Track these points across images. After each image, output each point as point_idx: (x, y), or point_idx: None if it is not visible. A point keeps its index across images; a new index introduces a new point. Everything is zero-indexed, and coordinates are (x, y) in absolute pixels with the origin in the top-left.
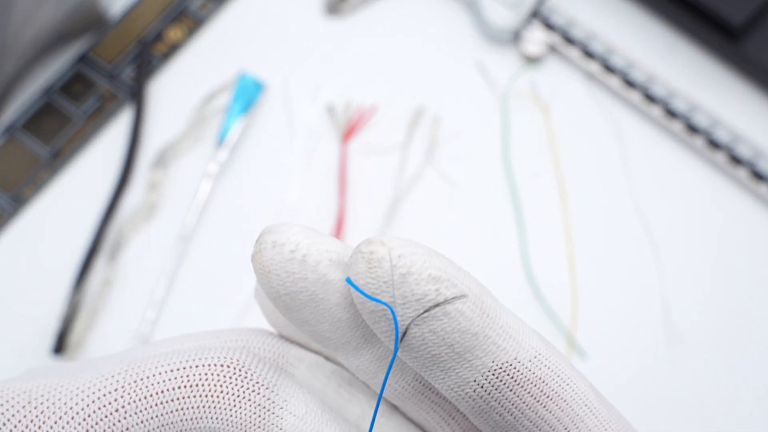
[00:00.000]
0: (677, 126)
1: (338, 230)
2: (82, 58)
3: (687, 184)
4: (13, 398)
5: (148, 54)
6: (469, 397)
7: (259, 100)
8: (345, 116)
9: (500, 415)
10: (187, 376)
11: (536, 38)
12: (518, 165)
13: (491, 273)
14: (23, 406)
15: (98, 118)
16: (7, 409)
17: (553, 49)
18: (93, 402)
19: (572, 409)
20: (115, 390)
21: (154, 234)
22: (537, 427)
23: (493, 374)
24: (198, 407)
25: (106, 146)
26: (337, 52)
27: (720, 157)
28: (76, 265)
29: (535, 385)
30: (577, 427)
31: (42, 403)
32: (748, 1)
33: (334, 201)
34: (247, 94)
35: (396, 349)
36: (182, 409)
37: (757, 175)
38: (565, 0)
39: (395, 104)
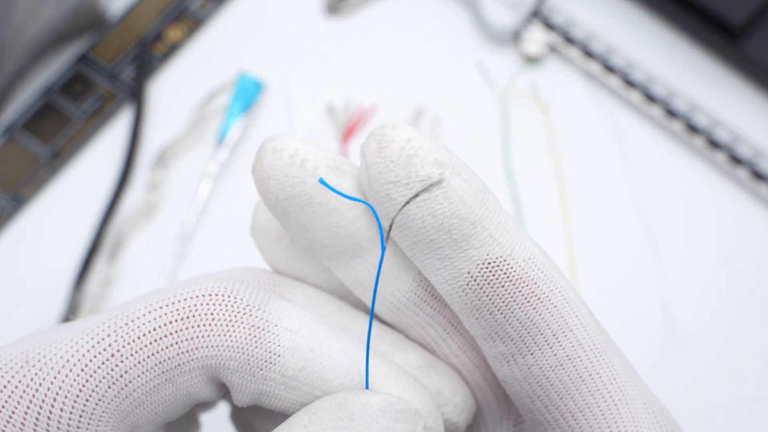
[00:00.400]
0: (677, 126)
1: None
2: (82, 58)
3: (687, 184)
4: (11, 360)
5: (148, 54)
6: (462, 291)
7: (259, 100)
8: (345, 116)
9: (490, 313)
10: (177, 310)
11: (536, 38)
12: (518, 165)
13: None
14: (21, 366)
15: (98, 118)
16: (6, 372)
17: (553, 49)
18: (88, 351)
19: (562, 316)
20: (108, 336)
21: (154, 234)
22: (525, 328)
23: (487, 267)
24: (192, 338)
25: (106, 146)
26: (337, 52)
27: (720, 157)
28: (76, 265)
29: (527, 285)
30: (564, 335)
31: (39, 361)
32: (748, 1)
33: None
34: (247, 94)
35: (383, 248)
36: (177, 343)
37: (757, 175)
38: (565, 0)
39: (395, 104)
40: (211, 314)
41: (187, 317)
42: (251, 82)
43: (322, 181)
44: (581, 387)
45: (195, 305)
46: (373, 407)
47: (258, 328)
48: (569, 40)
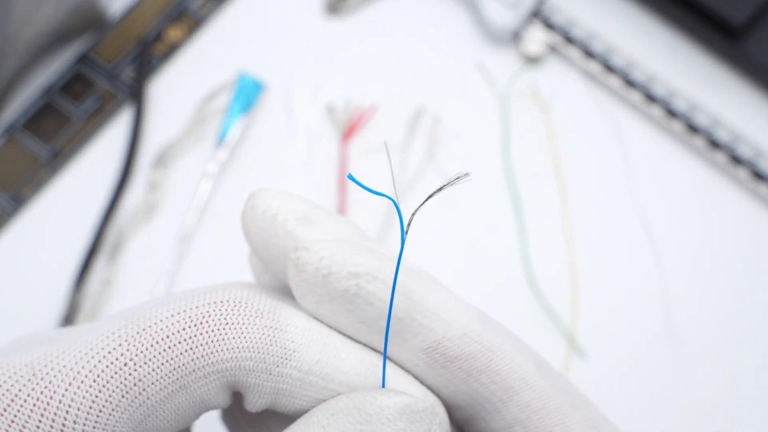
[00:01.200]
0: (677, 126)
1: None
2: (82, 58)
3: (687, 184)
4: (15, 373)
5: (148, 54)
6: (416, 372)
7: (259, 100)
8: (345, 116)
9: (440, 389)
10: (190, 317)
11: (536, 38)
12: (518, 165)
13: (491, 273)
14: (28, 380)
15: (98, 118)
16: (12, 386)
17: (553, 49)
18: (100, 361)
19: (506, 382)
20: (120, 345)
21: (154, 234)
22: (472, 398)
23: (425, 353)
24: (206, 343)
25: (106, 146)
26: (337, 52)
27: (720, 157)
28: (76, 265)
29: (465, 361)
30: (510, 399)
31: (48, 373)
32: (749, 1)
33: (334, 201)
34: (247, 94)
35: (403, 242)
36: (191, 349)
37: (757, 175)
38: (565, 0)
39: (395, 104)
40: (224, 319)
41: (201, 323)
42: (251, 82)
43: (350, 177)
44: None
45: (207, 312)
46: (390, 409)
47: (271, 327)
48: (569, 40)
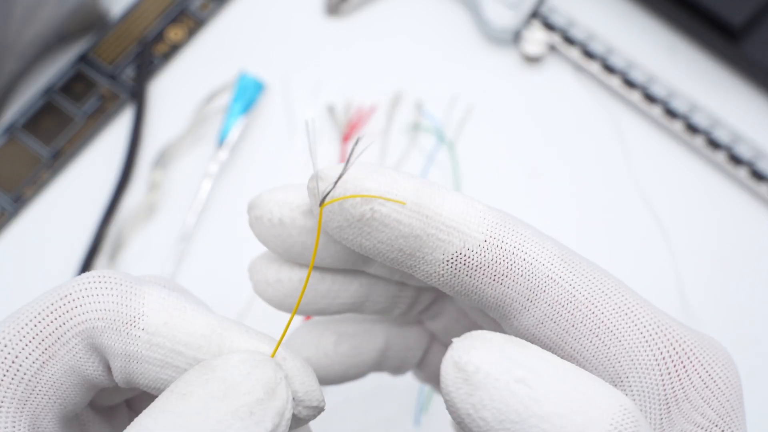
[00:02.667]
0: (677, 126)
1: None
2: (83, 58)
3: (687, 184)
4: None
5: (148, 54)
6: (439, 284)
7: (259, 100)
8: (345, 116)
9: (467, 296)
10: (57, 293)
11: (536, 38)
12: (518, 165)
13: None
14: None
15: (99, 118)
16: None
17: (553, 49)
18: None
19: (530, 282)
20: (1, 331)
21: (154, 234)
22: (498, 302)
23: (448, 264)
24: (68, 311)
25: (107, 146)
26: (337, 53)
27: (720, 157)
28: (77, 265)
29: (489, 267)
30: (538, 297)
31: None
32: (748, 2)
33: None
34: (248, 94)
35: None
36: (55, 319)
37: (757, 175)
38: (565, 0)
39: (395, 104)
40: (86, 289)
41: (65, 296)
42: (252, 82)
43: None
44: (566, 338)
45: (73, 285)
46: (233, 358)
47: (125, 294)
48: (569, 40)
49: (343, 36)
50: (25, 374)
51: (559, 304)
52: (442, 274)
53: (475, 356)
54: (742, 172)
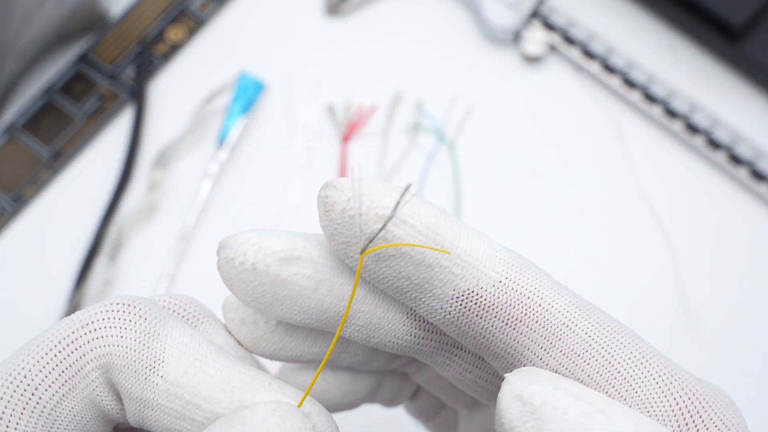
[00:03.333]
0: (677, 126)
1: None
2: (83, 58)
3: (687, 184)
4: None
5: (148, 54)
6: (443, 323)
7: (259, 100)
8: (345, 116)
9: (475, 339)
10: (79, 320)
11: (536, 38)
12: (518, 165)
13: None
14: None
15: (99, 118)
16: None
17: (553, 49)
18: (6, 378)
19: (546, 330)
20: (21, 360)
21: (155, 234)
22: (511, 347)
23: (458, 302)
24: (89, 341)
25: (107, 146)
26: (337, 53)
27: (720, 157)
28: (77, 265)
29: (502, 310)
30: (554, 346)
31: None
32: (748, 2)
33: None
34: (248, 94)
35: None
36: (77, 349)
37: (757, 175)
38: (565, 0)
39: (395, 104)
40: (109, 319)
41: (87, 324)
42: (252, 82)
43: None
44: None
45: (96, 313)
46: (262, 408)
47: (148, 333)
48: (569, 40)
49: (343, 36)
50: (44, 407)
51: (575, 353)
52: (450, 312)
53: (539, 389)
54: (742, 172)
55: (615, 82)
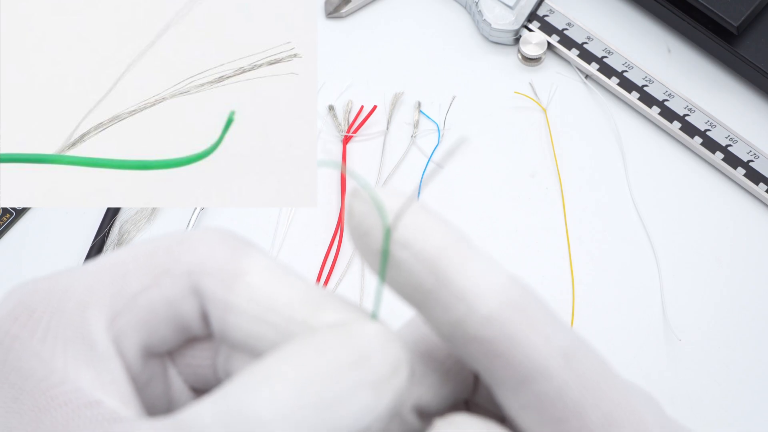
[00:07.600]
0: (675, 126)
1: (339, 230)
2: None
3: (684, 184)
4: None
5: None
6: (443, 338)
7: None
8: (345, 116)
9: (464, 357)
10: (179, 239)
11: (535, 39)
12: (518, 164)
13: None
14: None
15: None
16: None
17: (552, 49)
18: (102, 264)
19: (520, 372)
20: (117, 255)
21: (156, 234)
22: (491, 374)
23: (449, 326)
24: (183, 252)
25: None
26: (337, 53)
27: (717, 157)
28: (77, 265)
29: (482, 344)
30: (526, 387)
31: (63, 275)
32: (746, 4)
33: (335, 201)
34: None
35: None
36: (170, 255)
37: (755, 175)
38: (564, 1)
39: (395, 104)
40: (202, 239)
41: (182, 241)
42: None
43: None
44: (545, 430)
45: (191, 234)
46: (370, 328)
47: (237, 249)
48: (568, 41)
49: (343, 37)
50: (127, 288)
51: (547, 398)
52: (444, 332)
53: None
54: (740, 172)
55: (613, 82)
